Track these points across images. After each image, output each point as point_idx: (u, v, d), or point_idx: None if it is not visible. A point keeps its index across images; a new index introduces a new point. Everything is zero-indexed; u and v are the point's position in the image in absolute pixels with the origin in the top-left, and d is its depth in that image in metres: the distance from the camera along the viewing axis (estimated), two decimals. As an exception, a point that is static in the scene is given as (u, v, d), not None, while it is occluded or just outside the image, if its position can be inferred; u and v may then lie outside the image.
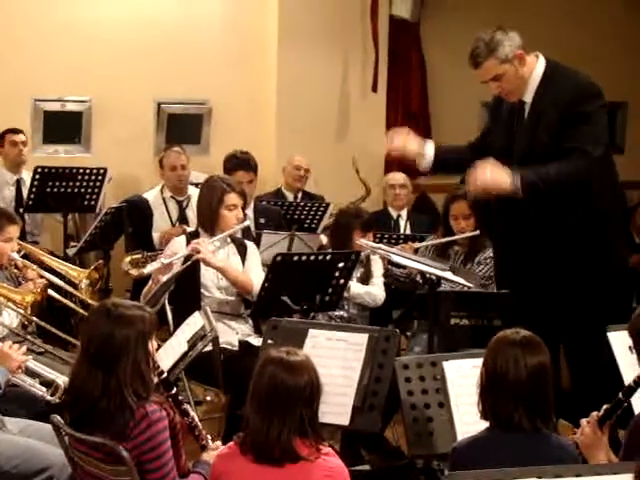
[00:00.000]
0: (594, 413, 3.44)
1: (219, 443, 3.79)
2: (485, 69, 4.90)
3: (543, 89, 4.91)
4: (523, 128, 4.96)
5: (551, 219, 4.83)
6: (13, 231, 5.29)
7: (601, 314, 4.71)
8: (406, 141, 5.24)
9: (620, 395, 3.45)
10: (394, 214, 7.68)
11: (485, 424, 3.44)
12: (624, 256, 5.18)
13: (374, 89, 9.02)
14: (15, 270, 5.29)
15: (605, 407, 3.43)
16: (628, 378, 3.58)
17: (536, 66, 4.93)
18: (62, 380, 4.40)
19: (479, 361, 3.55)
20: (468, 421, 3.75)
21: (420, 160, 5.24)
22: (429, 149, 5.23)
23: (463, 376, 3.92)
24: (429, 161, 5.22)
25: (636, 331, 3.46)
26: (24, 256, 5.46)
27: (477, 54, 4.89)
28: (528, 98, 4.94)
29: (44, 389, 4.53)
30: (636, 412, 3.49)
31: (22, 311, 5.00)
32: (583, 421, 3.47)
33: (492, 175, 4.73)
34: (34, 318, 5.16)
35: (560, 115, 4.79)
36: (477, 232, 6.08)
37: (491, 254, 6.09)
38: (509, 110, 5.06)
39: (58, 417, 3.65)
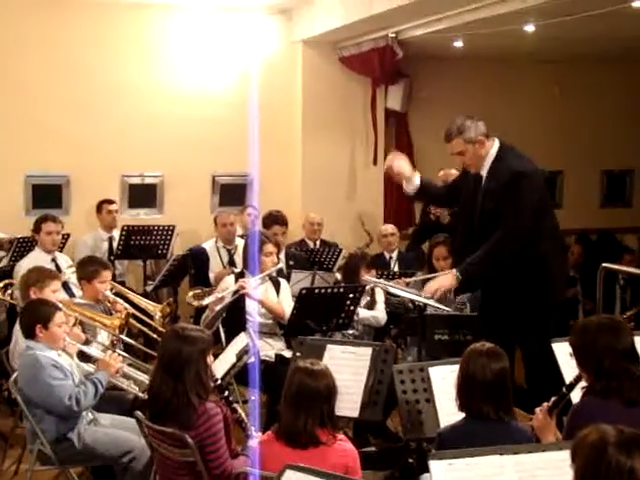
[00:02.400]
0: (545, 403, 3.41)
1: (260, 433, 3.78)
2: (453, 145, 4.92)
3: (493, 168, 4.91)
4: (479, 194, 4.96)
5: (508, 262, 4.83)
6: (106, 275, 5.31)
7: (546, 329, 4.70)
8: (404, 164, 5.32)
9: (564, 389, 3.43)
10: (387, 255, 7.65)
11: (461, 415, 3.42)
12: (562, 287, 5.14)
13: (374, 163, 9.03)
14: (108, 304, 5.30)
15: (553, 399, 3.41)
16: (568, 377, 3.56)
17: (492, 148, 4.92)
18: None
19: (456, 367, 3.53)
20: (449, 412, 3.71)
21: (407, 184, 5.26)
22: (417, 178, 5.26)
23: (444, 378, 3.88)
24: (415, 186, 5.24)
25: (574, 342, 3.45)
26: (115, 293, 5.45)
27: (450, 132, 4.92)
28: (484, 172, 4.95)
29: (136, 388, 4.54)
30: (574, 402, 3.45)
31: (112, 332, 5.02)
32: (537, 410, 3.44)
33: (439, 285, 4.93)
34: (122, 336, 5.16)
35: (497, 196, 4.81)
36: (453, 270, 6.04)
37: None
38: (473, 178, 5.06)
39: (140, 413, 3.66)
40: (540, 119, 9.81)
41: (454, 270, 4.96)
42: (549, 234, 4.97)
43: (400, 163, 5.30)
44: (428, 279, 6.15)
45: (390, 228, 7.81)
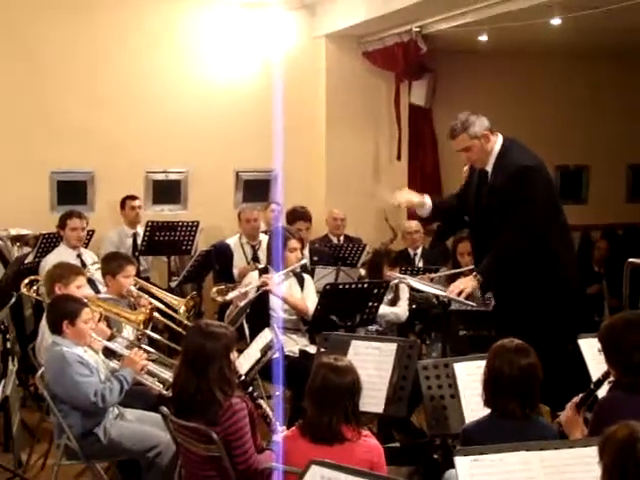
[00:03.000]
0: (573, 399, 3.38)
1: (284, 427, 3.79)
2: (458, 141, 4.84)
3: (497, 164, 4.84)
4: (485, 191, 4.91)
5: (521, 259, 4.79)
6: (130, 270, 5.33)
7: (561, 326, 4.67)
8: (410, 195, 5.29)
9: (592, 386, 3.40)
10: (411, 252, 7.63)
11: (487, 410, 3.40)
12: (575, 284, 5.07)
13: (398, 158, 9.02)
14: (132, 299, 5.32)
15: (581, 395, 3.38)
16: (595, 373, 3.54)
17: (496, 143, 4.84)
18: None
19: (481, 363, 3.52)
20: (474, 408, 3.71)
21: (420, 210, 5.22)
22: (427, 199, 5.19)
23: (469, 374, 3.87)
24: (428, 209, 5.18)
25: (602, 338, 3.43)
26: (139, 289, 5.48)
27: (454, 129, 4.85)
28: (489, 168, 4.89)
29: (161, 385, 4.56)
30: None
31: (137, 327, 5.04)
32: (567, 406, 3.41)
33: (464, 287, 4.81)
34: (147, 331, 5.18)
35: (503, 191, 4.75)
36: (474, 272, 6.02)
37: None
38: (479, 175, 5.00)
39: (165, 408, 3.68)
40: (566, 114, 9.75)
41: (474, 272, 4.93)
42: (560, 230, 4.91)
43: (406, 196, 5.30)
44: (453, 275, 6.16)
45: (414, 225, 7.79)
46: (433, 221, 5.63)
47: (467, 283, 4.85)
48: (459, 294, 4.84)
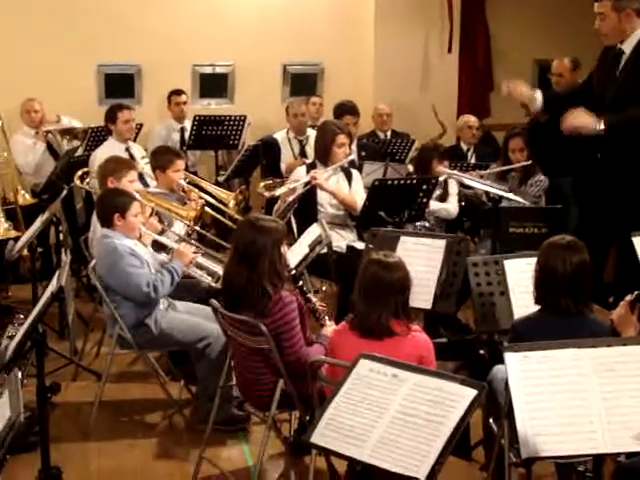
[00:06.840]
0: (627, 297, 3.33)
1: (332, 322, 3.81)
2: (601, 4, 4.79)
3: None
4: (619, 72, 4.82)
5: (622, 156, 4.75)
6: (180, 164, 5.32)
7: None
8: (521, 85, 5.18)
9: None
10: (464, 147, 7.48)
11: (535, 308, 3.38)
12: None
13: (449, 50, 8.80)
14: (182, 193, 5.33)
15: (636, 293, 3.32)
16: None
17: (639, 27, 4.78)
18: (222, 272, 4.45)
19: (531, 260, 3.47)
20: (522, 305, 3.67)
21: (532, 103, 5.13)
22: (538, 94, 5.11)
23: (519, 271, 3.82)
24: (539, 103, 5.11)
25: None
26: (189, 183, 5.47)
27: None
28: (627, 49, 4.80)
29: (209, 278, 4.61)
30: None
31: (188, 222, 5.07)
32: (620, 304, 3.37)
33: (578, 119, 4.72)
34: (197, 227, 5.23)
35: None
36: (529, 162, 5.91)
37: (540, 178, 5.94)
38: (612, 57, 4.90)
39: (215, 301, 3.71)
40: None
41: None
42: None
43: (518, 88, 5.16)
44: (503, 171, 6.06)
45: (475, 120, 7.56)
46: (546, 114, 5.54)
47: (587, 118, 4.73)
48: (572, 127, 4.75)
